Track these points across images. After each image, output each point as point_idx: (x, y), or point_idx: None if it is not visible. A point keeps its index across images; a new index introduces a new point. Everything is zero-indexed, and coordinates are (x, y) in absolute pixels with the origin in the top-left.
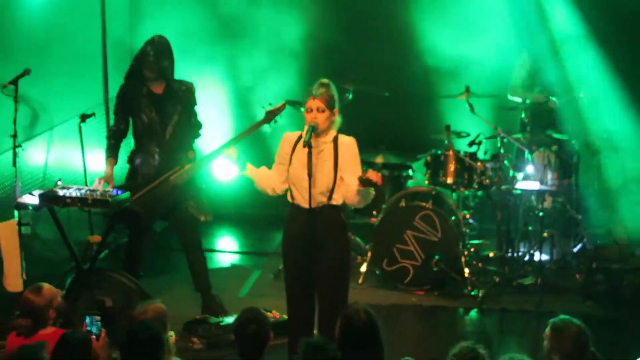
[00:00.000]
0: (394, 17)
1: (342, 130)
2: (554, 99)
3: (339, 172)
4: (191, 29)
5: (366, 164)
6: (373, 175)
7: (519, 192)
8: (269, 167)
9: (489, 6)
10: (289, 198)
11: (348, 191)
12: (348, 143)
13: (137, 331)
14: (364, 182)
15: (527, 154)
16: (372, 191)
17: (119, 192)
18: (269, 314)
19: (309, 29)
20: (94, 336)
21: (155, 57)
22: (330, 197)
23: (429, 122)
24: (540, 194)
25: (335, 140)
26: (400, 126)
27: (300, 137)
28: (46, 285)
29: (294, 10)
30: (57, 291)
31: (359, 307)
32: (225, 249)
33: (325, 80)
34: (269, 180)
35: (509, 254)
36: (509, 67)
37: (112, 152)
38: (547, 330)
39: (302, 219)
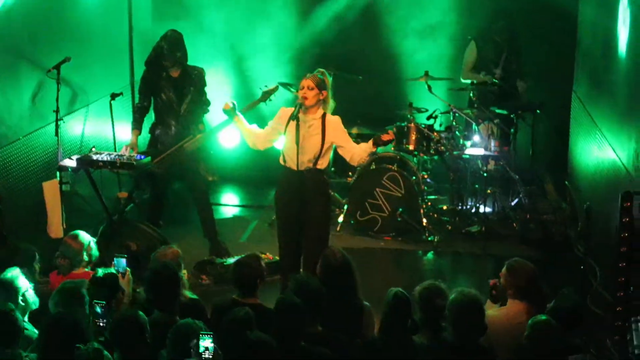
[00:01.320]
0: (369, 13)
1: None
2: (496, 80)
3: (326, 144)
4: (203, 25)
5: None
6: (387, 137)
7: (467, 157)
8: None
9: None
10: (281, 161)
11: (356, 154)
12: (335, 121)
13: (158, 270)
14: (379, 142)
15: (474, 126)
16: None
17: (142, 157)
18: (263, 255)
19: (299, 24)
20: (120, 274)
21: (169, 50)
22: (315, 163)
23: (395, 100)
24: (484, 158)
25: (323, 118)
26: (371, 104)
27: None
28: (81, 233)
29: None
30: (91, 238)
31: (335, 250)
32: (229, 203)
33: (321, 69)
34: (252, 135)
35: (459, 207)
36: (459, 55)
37: (137, 124)
38: (504, 269)
39: (292, 179)
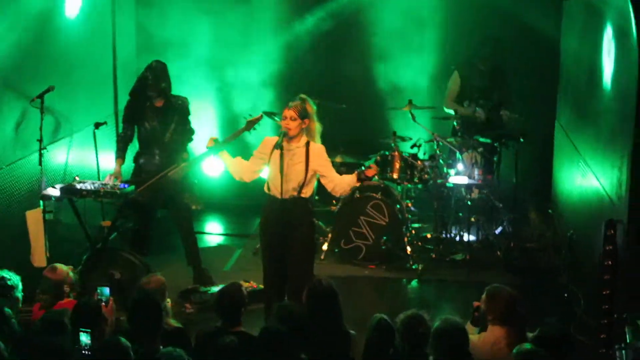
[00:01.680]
0: (354, 43)
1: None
2: (479, 109)
3: (310, 172)
4: (185, 55)
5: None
6: (371, 172)
7: (451, 185)
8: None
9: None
10: (265, 190)
11: (338, 185)
12: (319, 149)
13: (140, 299)
14: (362, 177)
15: (458, 155)
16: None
17: (126, 185)
18: (247, 284)
19: (283, 53)
20: (103, 303)
21: (153, 80)
22: (299, 191)
23: (379, 129)
24: (468, 187)
25: (307, 145)
26: (355, 132)
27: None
28: (59, 266)
29: (271, 36)
30: (69, 268)
31: (322, 279)
32: (213, 232)
33: (303, 96)
34: (237, 168)
35: (444, 235)
36: (443, 84)
37: (121, 153)
38: (483, 295)
39: (276, 207)
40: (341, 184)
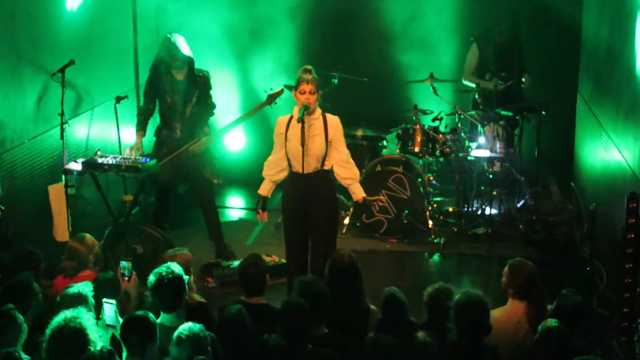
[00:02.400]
0: (374, 17)
1: (329, 108)
2: (500, 82)
3: (330, 142)
4: (205, 28)
5: (349, 136)
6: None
7: (473, 158)
8: (269, 147)
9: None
10: (286, 167)
11: (340, 172)
12: (336, 121)
13: (162, 273)
14: (361, 203)
15: (479, 128)
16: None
17: (147, 159)
18: (269, 258)
19: (306, 28)
20: (125, 278)
21: (174, 53)
22: (322, 164)
23: (400, 102)
24: (490, 160)
25: (323, 116)
26: (376, 105)
27: (291, 118)
28: (87, 236)
29: (293, 13)
30: (96, 241)
31: (343, 252)
32: (234, 206)
33: (308, 67)
34: (280, 168)
35: (465, 209)
36: (464, 56)
37: (142, 126)
38: (505, 268)
39: (298, 182)
40: (344, 174)
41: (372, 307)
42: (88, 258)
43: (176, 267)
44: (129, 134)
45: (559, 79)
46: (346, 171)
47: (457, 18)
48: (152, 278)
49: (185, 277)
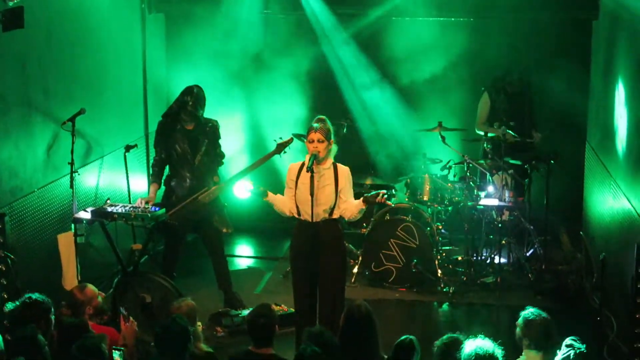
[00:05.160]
0: (380, 67)
1: (339, 157)
2: (508, 131)
3: (339, 193)
4: (214, 77)
5: (358, 185)
6: (379, 199)
7: (482, 207)
8: (281, 191)
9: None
10: (295, 214)
11: (348, 209)
12: (347, 171)
13: (169, 325)
14: (370, 201)
15: (488, 177)
16: (364, 209)
17: (157, 208)
18: (278, 307)
19: (316, 80)
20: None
21: (193, 107)
22: (331, 213)
23: (409, 151)
24: (499, 209)
25: (334, 167)
26: (385, 154)
27: (303, 165)
28: (90, 286)
29: (305, 66)
30: (99, 293)
31: (359, 303)
32: (243, 254)
33: (322, 117)
34: (285, 204)
35: (474, 258)
36: (473, 105)
37: (156, 178)
38: (520, 320)
39: (307, 231)
40: (350, 207)
41: (385, 356)
42: (85, 309)
43: (181, 320)
44: (138, 183)
45: (567, 128)
46: (348, 207)
47: (467, 67)
48: (156, 331)
49: (191, 328)
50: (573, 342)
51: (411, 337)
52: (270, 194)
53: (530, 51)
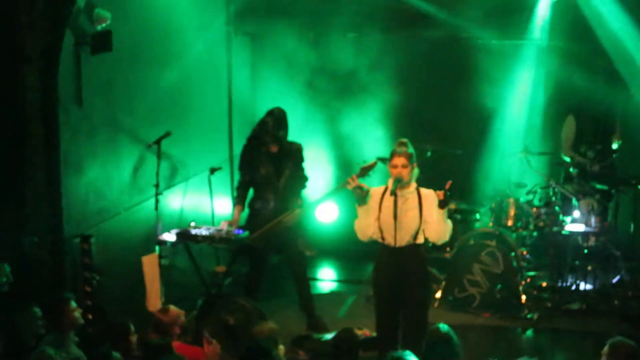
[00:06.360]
0: (464, 88)
1: (423, 181)
2: (593, 157)
3: (424, 217)
4: (300, 101)
5: None
6: (441, 194)
7: (567, 233)
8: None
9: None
10: (379, 239)
11: (429, 229)
12: (431, 195)
13: (252, 348)
14: (442, 204)
15: (574, 201)
16: (449, 227)
17: (241, 231)
18: (361, 331)
19: (397, 101)
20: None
21: (273, 127)
22: (415, 238)
23: (494, 175)
24: (585, 234)
25: (417, 191)
26: (469, 178)
27: (385, 189)
28: (172, 307)
29: (386, 86)
30: (181, 312)
31: (440, 326)
32: (326, 278)
33: (404, 140)
34: (371, 226)
35: (559, 284)
36: (557, 128)
37: (240, 200)
38: (606, 348)
39: (391, 255)
40: (432, 225)
41: None
42: (173, 330)
43: (264, 343)
44: (222, 205)
45: None
46: (433, 227)
47: (552, 89)
48: (240, 354)
49: (273, 351)
50: None
51: None
52: (367, 205)
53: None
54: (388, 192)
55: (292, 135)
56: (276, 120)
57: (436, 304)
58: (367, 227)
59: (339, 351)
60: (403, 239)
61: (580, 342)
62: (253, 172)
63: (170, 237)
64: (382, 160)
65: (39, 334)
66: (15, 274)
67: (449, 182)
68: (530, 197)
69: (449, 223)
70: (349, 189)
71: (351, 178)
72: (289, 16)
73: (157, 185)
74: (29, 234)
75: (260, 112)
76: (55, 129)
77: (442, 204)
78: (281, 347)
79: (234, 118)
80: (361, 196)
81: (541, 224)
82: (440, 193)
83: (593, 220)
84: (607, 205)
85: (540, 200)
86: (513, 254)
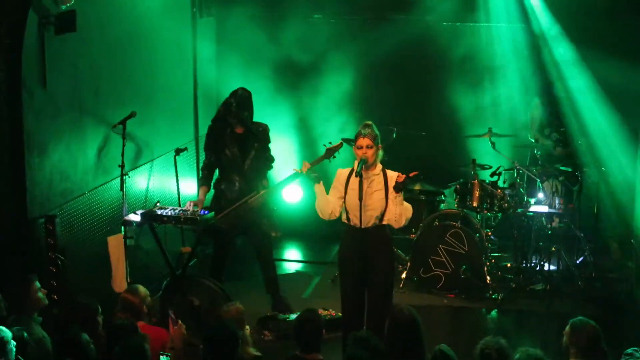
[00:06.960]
0: (430, 74)
1: (388, 162)
2: (558, 145)
3: (389, 198)
4: (265, 83)
5: (407, 191)
6: (402, 177)
7: (531, 214)
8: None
9: (503, 62)
10: (344, 219)
11: (391, 215)
12: (395, 176)
13: (217, 329)
14: (397, 187)
15: (538, 183)
16: (407, 211)
17: (206, 212)
18: (326, 312)
19: (363, 83)
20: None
21: (237, 108)
22: (381, 219)
23: (458, 157)
24: (549, 216)
25: (384, 172)
26: (434, 160)
27: (352, 171)
28: (140, 286)
29: (354, 70)
30: (148, 292)
31: (402, 306)
32: (292, 259)
33: (369, 122)
34: (329, 204)
35: (523, 265)
36: (523, 111)
37: (205, 181)
38: (567, 328)
39: (356, 236)
40: (392, 209)
41: None
42: (141, 309)
43: (229, 324)
44: (188, 186)
45: (618, 134)
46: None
47: (518, 72)
48: (205, 335)
49: (239, 332)
50: (634, 352)
51: (442, 346)
52: (322, 184)
53: None
54: (354, 174)
55: (257, 117)
56: (240, 100)
57: (401, 285)
58: (325, 205)
59: (303, 332)
60: (368, 220)
61: (544, 323)
62: (218, 153)
63: (135, 217)
64: (348, 141)
65: (1, 316)
66: None
67: (415, 172)
68: (495, 178)
69: (408, 207)
70: (303, 173)
71: (303, 165)
72: None
73: (122, 166)
74: None
75: (225, 93)
76: (19, 110)
77: (397, 187)
78: (247, 328)
79: (200, 99)
80: (316, 178)
81: (505, 205)
82: (402, 176)
83: (557, 201)
84: (572, 188)
85: (504, 182)
86: (478, 235)
